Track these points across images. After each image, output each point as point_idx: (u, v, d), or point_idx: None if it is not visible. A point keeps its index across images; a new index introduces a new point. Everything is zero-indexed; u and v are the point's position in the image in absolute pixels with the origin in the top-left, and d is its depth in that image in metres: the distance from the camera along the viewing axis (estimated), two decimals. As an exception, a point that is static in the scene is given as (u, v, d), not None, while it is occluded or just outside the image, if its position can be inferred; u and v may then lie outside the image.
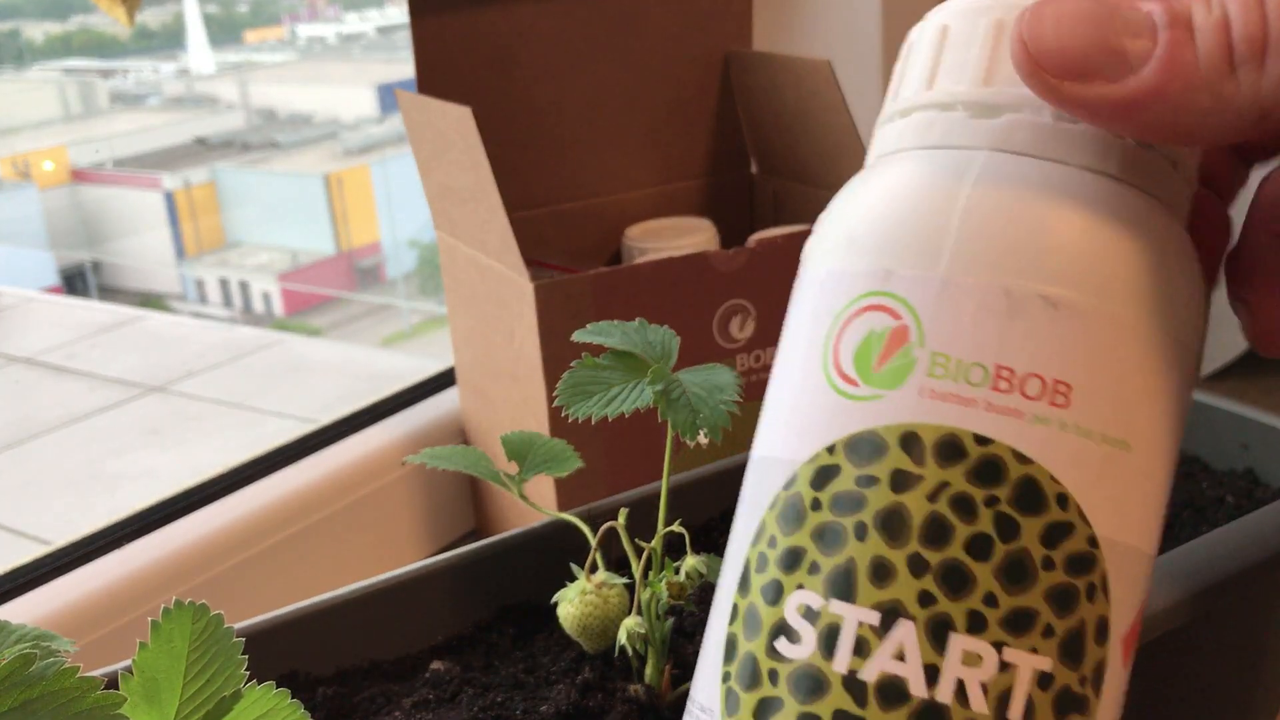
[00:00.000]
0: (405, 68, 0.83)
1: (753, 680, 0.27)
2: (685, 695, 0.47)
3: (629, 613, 0.47)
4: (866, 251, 0.28)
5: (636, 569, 0.47)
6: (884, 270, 0.28)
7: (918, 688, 0.25)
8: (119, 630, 0.69)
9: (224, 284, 5.38)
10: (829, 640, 0.26)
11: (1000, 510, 0.26)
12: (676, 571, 0.47)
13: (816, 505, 0.28)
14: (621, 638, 0.47)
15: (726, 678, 0.29)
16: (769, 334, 0.76)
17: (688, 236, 0.86)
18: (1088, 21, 0.26)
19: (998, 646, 0.25)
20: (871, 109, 1.13)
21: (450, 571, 0.54)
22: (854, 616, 0.26)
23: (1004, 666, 0.25)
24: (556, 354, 0.70)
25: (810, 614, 0.26)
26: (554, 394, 0.45)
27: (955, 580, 0.26)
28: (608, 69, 0.89)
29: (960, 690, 0.25)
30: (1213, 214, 0.32)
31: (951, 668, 0.25)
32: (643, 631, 0.46)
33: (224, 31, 5.91)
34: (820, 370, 0.29)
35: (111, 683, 0.36)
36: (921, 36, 0.29)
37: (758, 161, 0.95)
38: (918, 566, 0.26)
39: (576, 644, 0.50)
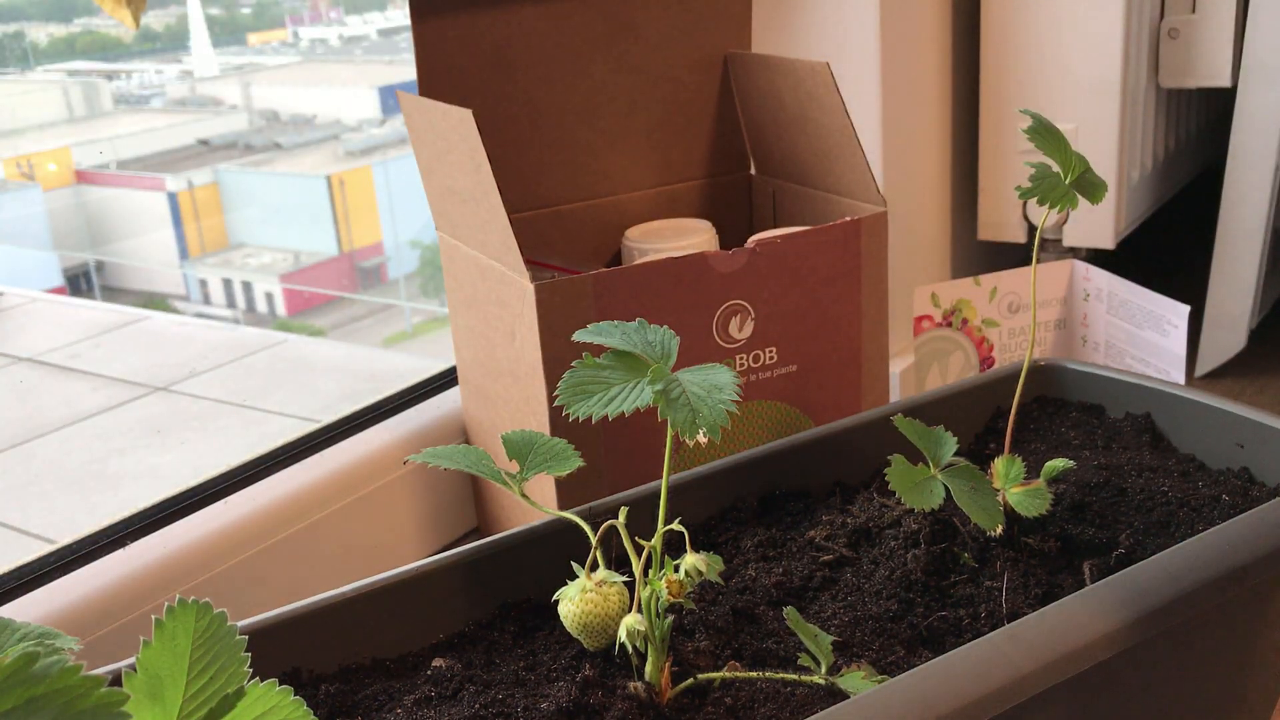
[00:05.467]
0: (407, 70, 0.83)
1: None
2: (685, 692, 0.48)
3: (629, 610, 0.48)
4: None
5: (636, 567, 0.47)
6: None
7: None
8: (122, 628, 0.69)
9: (227, 284, 5.38)
10: None
11: None
12: (676, 569, 0.47)
13: None
14: (622, 635, 0.47)
15: None
16: (768, 334, 0.77)
17: (687, 237, 0.86)
18: None
19: None
20: (870, 111, 1.12)
21: (451, 570, 0.54)
22: None
23: None
24: (557, 354, 0.71)
25: None
26: (555, 393, 0.45)
27: None
28: (608, 71, 0.89)
29: None
30: None
31: None
32: (643, 629, 0.47)
33: (227, 33, 5.91)
34: None
35: (115, 680, 0.37)
36: None
37: (757, 163, 0.95)
38: None
39: (577, 641, 0.51)
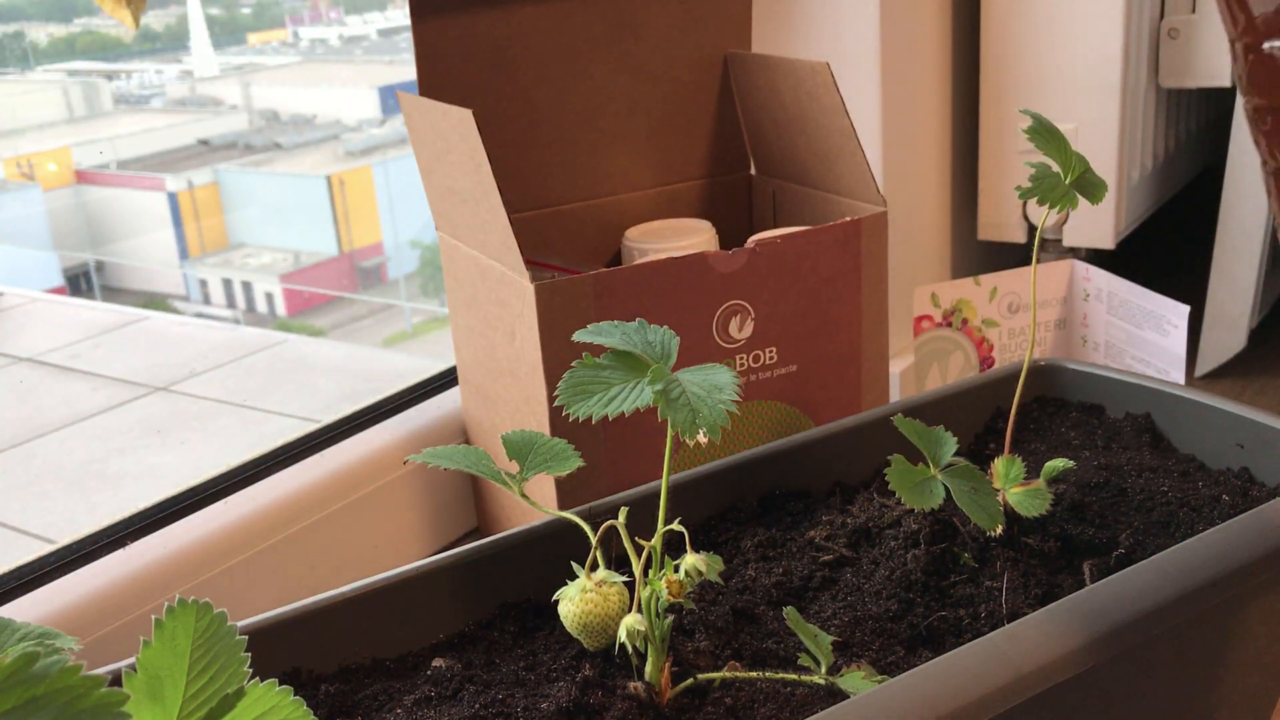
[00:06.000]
0: (407, 70, 0.83)
1: None
2: (685, 692, 0.48)
3: (629, 610, 0.48)
4: None
5: (636, 567, 0.47)
6: None
7: None
8: (122, 628, 0.69)
9: (227, 284, 5.38)
10: None
11: None
12: (676, 569, 0.47)
13: None
14: (621, 635, 0.47)
15: None
16: (768, 334, 0.77)
17: (687, 237, 0.86)
18: None
19: None
20: (870, 111, 1.12)
21: (451, 570, 0.54)
22: None
23: None
24: (557, 354, 0.71)
25: None
26: (555, 393, 0.45)
27: None
28: (607, 71, 0.89)
29: None
30: None
31: None
32: (643, 629, 0.47)
33: (227, 33, 5.91)
34: None
35: (115, 680, 0.37)
36: None
37: (756, 163, 0.95)
38: None
39: (577, 641, 0.51)
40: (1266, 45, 0.33)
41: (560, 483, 0.72)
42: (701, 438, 0.74)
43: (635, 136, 0.92)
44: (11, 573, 0.71)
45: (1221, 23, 0.33)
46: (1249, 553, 0.49)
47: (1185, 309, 0.84)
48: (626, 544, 0.47)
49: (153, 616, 0.33)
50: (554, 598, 0.50)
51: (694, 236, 0.86)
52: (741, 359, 0.76)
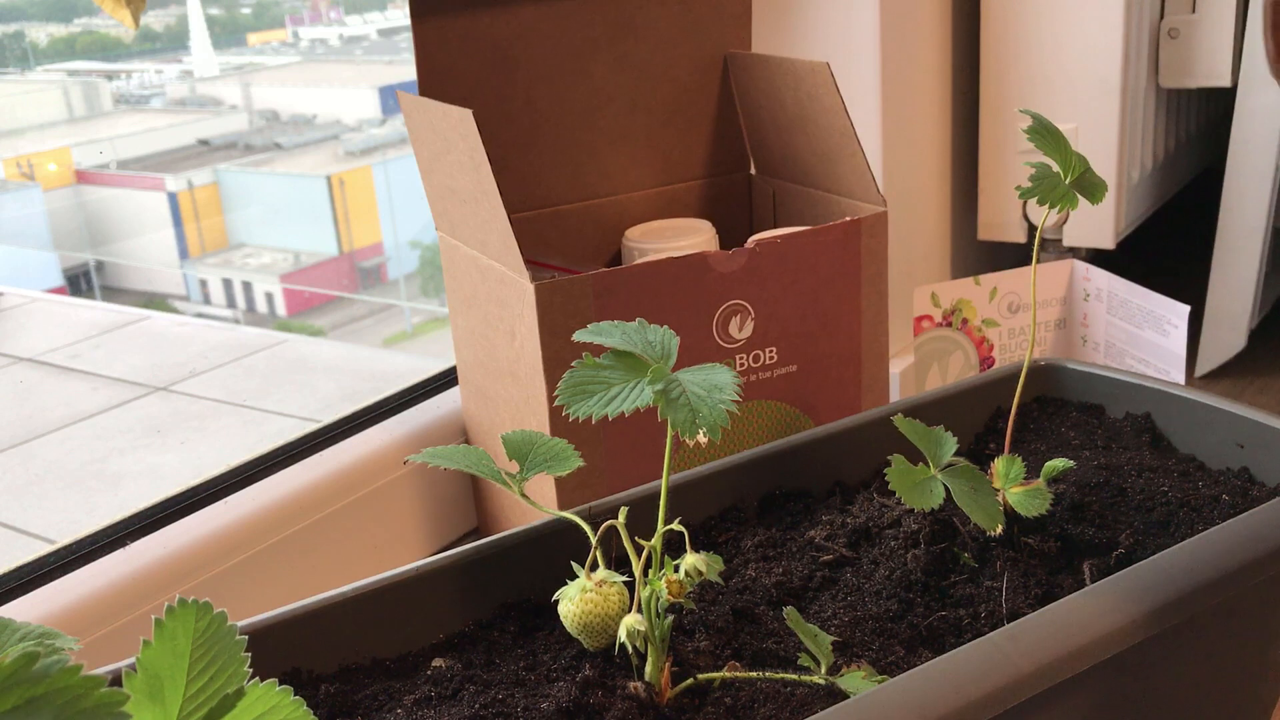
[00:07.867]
0: (407, 70, 0.83)
1: None
2: (685, 692, 0.48)
3: (629, 610, 0.48)
4: None
5: (636, 567, 0.47)
6: None
7: None
8: (122, 628, 0.69)
9: (227, 284, 5.38)
10: None
11: None
12: (676, 569, 0.47)
13: None
14: (621, 635, 0.47)
15: None
16: (768, 334, 0.77)
17: (687, 237, 0.86)
18: None
19: None
20: (870, 111, 1.13)
21: (451, 570, 0.54)
22: None
23: None
24: (557, 354, 0.71)
25: None
26: (555, 393, 0.45)
27: None
28: (608, 71, 0.89)
29: None
30: None
31: None
32: (643, 629, 0.47)
33: (227, 34, 5.91)
34: None
35: (115, 680, 0.37)
36: None
37: (756, 163, 0.95)
38: None
39: (577, 641, 0.51)
40: None
41: (560, 483, 0.72)
42: (701, 438, 0.74)
43: (635, 136, 0.92)
44: (11, 573, 0.71)
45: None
46: (1249, 553, 0.49)
47: (1185, 309, 0.84)
48: (626, 544, 0.47)
49: (153, 616, 0.33)
50: (554, 598, 0.50)
51: (694, 236, 0.86)
52: (741, 359, 0.76)
